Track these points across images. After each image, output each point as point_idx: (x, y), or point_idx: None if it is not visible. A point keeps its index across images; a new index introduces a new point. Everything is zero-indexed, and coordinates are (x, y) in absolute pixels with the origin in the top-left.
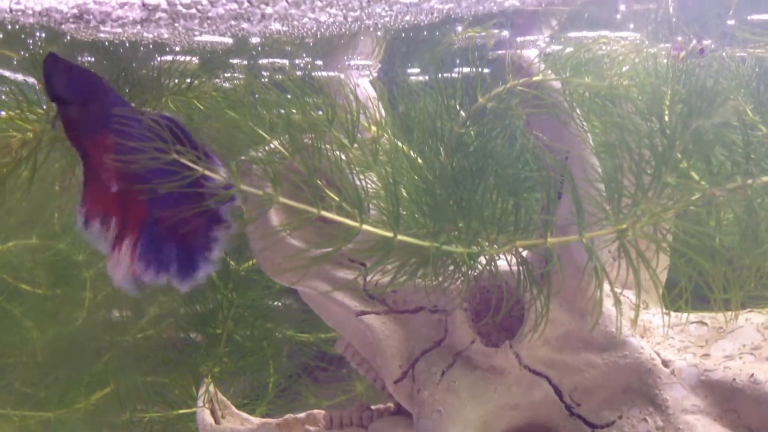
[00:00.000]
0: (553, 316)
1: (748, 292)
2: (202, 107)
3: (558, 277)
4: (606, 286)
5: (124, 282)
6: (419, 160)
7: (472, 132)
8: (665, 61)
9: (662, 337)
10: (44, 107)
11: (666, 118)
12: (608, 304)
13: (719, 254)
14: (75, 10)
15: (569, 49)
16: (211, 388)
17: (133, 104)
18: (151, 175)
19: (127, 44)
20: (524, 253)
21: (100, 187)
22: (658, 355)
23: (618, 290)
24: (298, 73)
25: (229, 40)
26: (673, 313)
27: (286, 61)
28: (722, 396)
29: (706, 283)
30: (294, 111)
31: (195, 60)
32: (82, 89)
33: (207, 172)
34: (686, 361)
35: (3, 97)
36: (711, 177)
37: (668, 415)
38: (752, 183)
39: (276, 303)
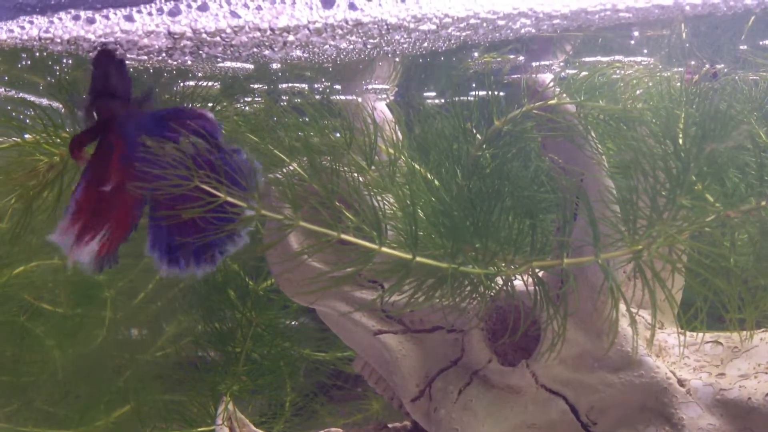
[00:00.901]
0: (570, 335)
1: (763, 312)
2: (223, 131)
3: (574, 297)
4: (621, 306)
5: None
6: (436, 182)
7: (488, 154)
8: (679, 84)
9: (678, 356)
10: (69, 129)
11: (680, 141)
12: (624, 323)
13: (734, 275)
14: (102, 39)
15: (584, 74)
16: (230, 406)
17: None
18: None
19: (151, 70)
20: (540, 274)
21: (96, 185)
22: (674, 374)
23: (634, 310)
24: (317, 97)
25: (251, 66)
26: (688, 333)
27: (305, 86)
28: (738, 415)
29: (722, 303)
30: (313, 134)
31: (217, 85)
32: (127, 86)
33: (229, 198)
34: (702, 380)
35: (28, 121)
36: (725, 199)
37: None
38: (766, 204)
39: (293, 322)
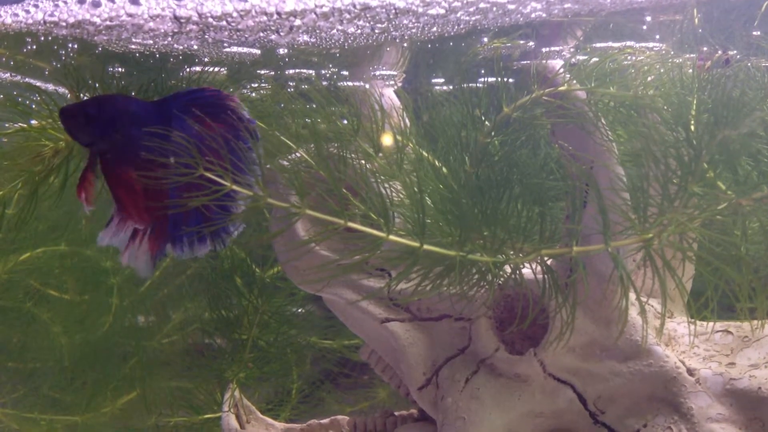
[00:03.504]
0: (578, 324)
1: None
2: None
3: (583, 286)
4: (631, 295)
5: (144, 267)
6: (444, 170)
7: (497, 141)
8: (691, 71)
9: (687, 345)
10: None
11: (692, 128)
12: (633, 312)
13: (745, 263)
14: (108, 23)
15: (594, 59)
16: (237, 393)
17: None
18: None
19: (157, 55)
20: (549, 262)
21: (132, 203)
22: (683, 363)
23: (643, 299)
24: (324, 83)
25: (257, 51)
26: (698, 322)
27: (312, 72)
28: (747, 405)
29: (732, 292)
30: (320, 120)
31: (223, 71)
32: (102, 127)
33: (235, 187)
34: (711, 369)
35: (33, 106)
36: (737, 186)
37: (693, 424)
38: None
39: (300, 310)
